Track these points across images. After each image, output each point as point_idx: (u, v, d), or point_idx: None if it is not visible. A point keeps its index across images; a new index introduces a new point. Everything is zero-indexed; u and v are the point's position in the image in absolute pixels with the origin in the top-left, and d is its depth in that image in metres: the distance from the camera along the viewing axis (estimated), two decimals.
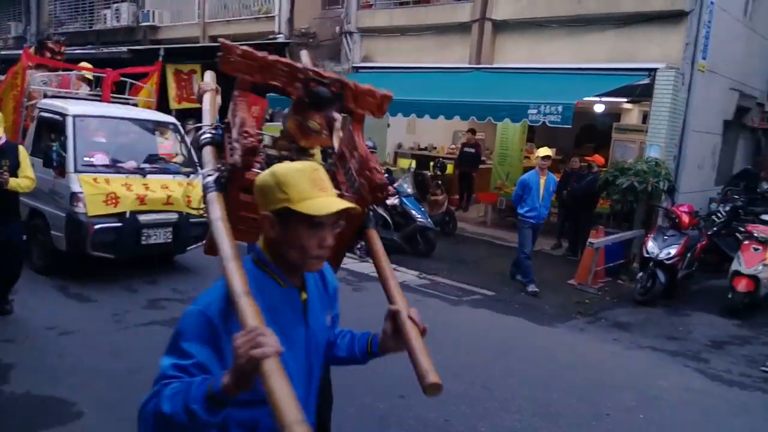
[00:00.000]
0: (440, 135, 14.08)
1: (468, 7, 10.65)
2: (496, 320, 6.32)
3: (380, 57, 12.11)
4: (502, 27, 10.33)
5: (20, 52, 7.90)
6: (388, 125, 12.99)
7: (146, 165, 6.68)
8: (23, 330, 4.96)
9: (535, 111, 8.09)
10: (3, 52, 20.35)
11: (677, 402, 4.64)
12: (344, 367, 4.62)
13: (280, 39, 13.43)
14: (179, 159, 7.18)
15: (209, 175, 1.77)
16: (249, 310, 1.33)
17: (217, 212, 1.66)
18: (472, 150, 12.02)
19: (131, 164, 6.55)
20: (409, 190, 9.03)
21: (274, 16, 13.61)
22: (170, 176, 6.71)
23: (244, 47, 1.98)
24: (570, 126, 8.14)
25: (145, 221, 6.26)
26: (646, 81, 8.58)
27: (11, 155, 4.78)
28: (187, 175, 6.99)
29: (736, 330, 6.57)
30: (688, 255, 7.44)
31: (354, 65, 12.35)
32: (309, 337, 1.63)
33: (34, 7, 21.16)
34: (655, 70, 8.47)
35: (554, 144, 15.28)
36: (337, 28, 12.61)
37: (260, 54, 1.97)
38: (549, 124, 8.05)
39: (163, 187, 6.47)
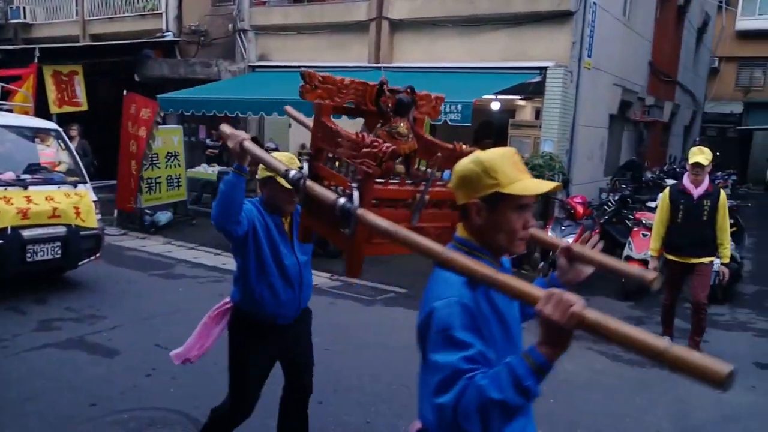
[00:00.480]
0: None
1: (364, 6, 10.66)
2: (410, 317, 6.25)
3: (277, 55, 11.84)
4: (398, 26, 10.44)
5: None
6: (290, 125, 12.74)
7: (27, 176, 6.14)
8: None
9: None
10: None
11: (584, 383, 4.87)
12: None
13: (169, 37, 12.79)
14: (63, 168, 6.61)
15: (341, 197, 1.75)
16: (522, 282, 1.40)
17: (385, 222, 1.64)
18: None
19: (9, 175, 5.99)
20: None
21: (161, 13, 12.94)
22: (55, 187, 6.20)
23: (324, 74, 2.07)
24: (470, 124, 8.36)
25: (30, 237, 5.77)
26: (538, 79, 9.03)
27: None
28: (74, 185, 6.45)
29: (630, 311, 7.06)
30: None
31: (250, 64, 12.01)
32: (518, 313, 1.84)
33: None
34: (545, 68, 8.93)
35: (454, 141, 15.79)
36: (230, 26, 12.18)
37: (338, 78, 2.08)
38: (450, 123, 8.21)
39: (47, 198, 5.98)
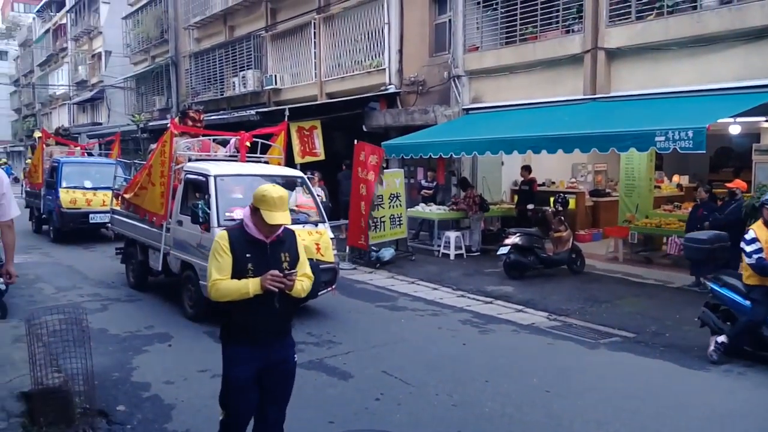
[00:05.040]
0: (557, 169, 13.70)
1: (578, 38, 10.46)
2: (639, 364, 5.86)
3: (490, 97, 12.15)
4: (616, 55, 10.01)
5: (165, 122, 8.86)
6: (502, 163, 12.88)
7: None
8: (180, 372, 5.40)
9: (662, 138, 7.62)
10: (150, 123, 23.05)
11: None
12: None
13: (391, 89, 13.95)
14: (307, 210, 7.59)
15: None
16: None
17: None
18: (527, 187, 11.87)
19: None
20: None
21: (384, 69, 14.19)
22: (300, 226, 7.11)
23: None
24: (704, 151, 7.57)
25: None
26: None
27: (291, 247, 3.31)
28: (315, 224, 7.38)
29: None
30: None
31: (464, 107, 12.49)
32: None
33: (174, 81, 23.85)
34: None
35: (687, 171, 14.38)
36: (446, 73, 12.86)
37: None
38: (680, 151, 7.53)
39: None
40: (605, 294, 8.42)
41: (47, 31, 41.78)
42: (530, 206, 11.68)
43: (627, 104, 9.68)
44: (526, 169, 12.01)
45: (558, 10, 10.91)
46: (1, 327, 4.45)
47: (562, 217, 9.96)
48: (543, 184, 13.28)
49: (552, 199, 10.61)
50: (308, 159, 13.44)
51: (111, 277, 9.56)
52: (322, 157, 13.79)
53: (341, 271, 8.32)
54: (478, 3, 12.20)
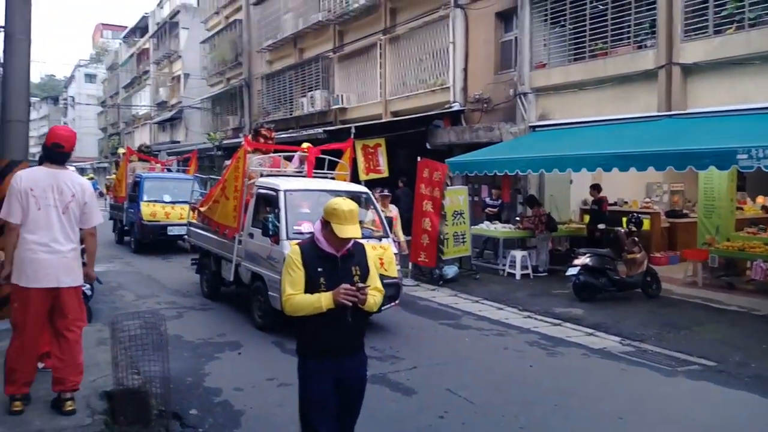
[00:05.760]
0: (630, 188, 13.23)
1: (651, 53, 10.15)
2: (721, 395, 5.51)
3: (557, 114, 11.94)
4: (692, 70, 9.64)
5: (238, 140, 9.25)
6: (571, 181, 12.57)
7: None
8: (249, 380, 5.54)
9: (745, 156, 7.22)
10: (225, 142, 24.08)
11: None
12: None
13: (456, 107, 13.95)
14: (371, 224, 7.68)
15: None
16: None
17: None
18: (596, 207, 11.52)
19: None
20: None
21: (448, 87, 14.22)
22: (364, 240, 7.17)
23: None
24: None
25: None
26: None
27: (361, 260, 3.28)
28: (379, 239, 7.44)
29: None
30: None
31: (530, 124, 12.32)
32: None
33: (247, 101, 24.85)
34: None
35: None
36: (511, 91, 12.76)
37: None
38: (765, 170, 7.12)
39: None
40: (683, 320, 7.99)
41: (132, 55, 44.66)
42: (600, 226, 11.34)
43: (705, 121, 9.26)
44: (595, 188, 11.68)
45: (629, 26, 10.65)
46: (86, 330, 4.74)
47: (636, 238, 9.58)
48: (615, 204, 12.85)
49: (625, 219, 10.25)
50: (372, 176, 13.61)
51: (186, 286, 10.00)
52: (386, 174, 13.93)
53: (404, 287, 8.32)
54: (546, 20, 12.08)
